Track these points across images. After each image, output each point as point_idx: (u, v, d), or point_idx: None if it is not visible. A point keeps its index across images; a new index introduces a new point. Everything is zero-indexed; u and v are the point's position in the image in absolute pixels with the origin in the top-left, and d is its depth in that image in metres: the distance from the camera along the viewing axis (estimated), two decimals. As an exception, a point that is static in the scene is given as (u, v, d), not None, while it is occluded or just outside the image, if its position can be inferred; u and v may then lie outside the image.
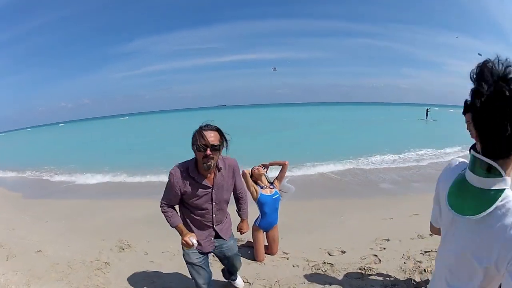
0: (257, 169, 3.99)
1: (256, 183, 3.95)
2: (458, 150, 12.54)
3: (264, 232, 4.00)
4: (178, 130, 27.70)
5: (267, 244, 4.14)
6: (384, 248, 4.21)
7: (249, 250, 4.27)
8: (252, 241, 4.11)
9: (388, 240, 4.44)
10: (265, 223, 3.95)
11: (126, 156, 14.99)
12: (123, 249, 4.34)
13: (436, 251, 4.01)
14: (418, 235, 4.54)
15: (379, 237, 4.52)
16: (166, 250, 4.29)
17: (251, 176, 3.97)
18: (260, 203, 3.87)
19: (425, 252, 3.99)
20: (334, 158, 11.06)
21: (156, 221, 5.69)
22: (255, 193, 3.83)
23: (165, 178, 2.33)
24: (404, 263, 3.76)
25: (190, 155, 2.30)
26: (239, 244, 4.50)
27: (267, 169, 4.00)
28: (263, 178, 4.00)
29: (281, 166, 4.07)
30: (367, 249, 4.20)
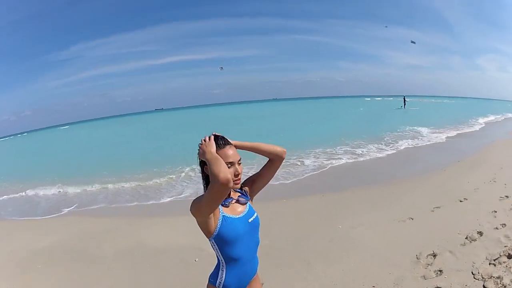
0: (237, 164, 1.61)
1: None
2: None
3: None
4: (107, 138, 26.68)
5: None
6: (441, 271, 2.74)
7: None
8: None
9: (434, 255, 2.99)
10: (238, 279, 1.70)
11: (49, 167, 12.96)
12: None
13: (504, 255, 2.90)
14: (466, 237, 3.29)
15: (419, 253, 3.02)
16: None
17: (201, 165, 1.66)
18: (222, 238, 1.59)
19: (494, 260, 2.85)
20: (306, 150, 9.64)
21: (62, 255, 4.18)
22: (212, 220, 1.54)
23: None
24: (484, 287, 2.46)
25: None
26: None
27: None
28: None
29: (269, 159, 1.79)
30: (417, 278, 2.65)
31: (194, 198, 1.46)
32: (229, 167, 1.55)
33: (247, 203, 1.71)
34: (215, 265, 1.69)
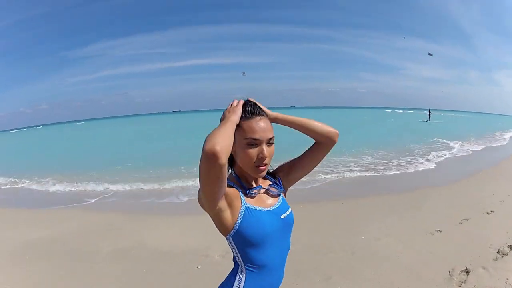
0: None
1: (239, 177, 1.27)
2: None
3: None
4: (121, 137, 26.84)
5: None
6: None
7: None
8: None
9: (467, 271, 2.91)
10: None
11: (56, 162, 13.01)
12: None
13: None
14: (498, 251, 3.23)
15: (452, 270, 2.94)
16: None
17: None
18: (243, 237, 1.17)
19: (528, 275, 2.76)
20: (329, 157, 9.39)
21: (55, 248, 4.06)
22: (227, 213, 1.15)
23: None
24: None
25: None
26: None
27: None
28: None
29: (316, 141, 1.35)
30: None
31: None
32: (252, 147, 1.13)
33: (280, 195, 1.30)
34: (230, 270, 1.27)
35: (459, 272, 2.84)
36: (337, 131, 1.31)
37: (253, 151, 1.13)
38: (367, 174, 7.78)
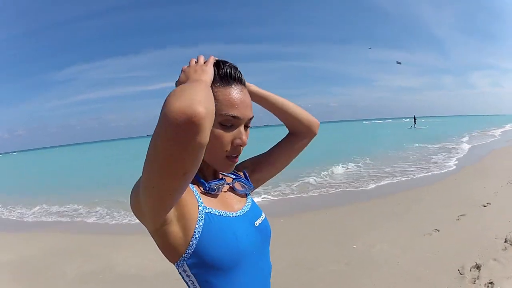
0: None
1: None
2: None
3: None
4: (91, 162, 26.13)
5: None
6: (492, 283, 2.33)
7: None
8: None
9: (478, 266, 2.57)
10: None
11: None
12: None
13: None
14: (506, 241, 2.97)
15: (462, 267, 2.59)
16: None
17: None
18: (206, 261, 0.68)
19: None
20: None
21: (17, 272, 3.78)
22: (177, 226, 0.68)
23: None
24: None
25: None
26: None
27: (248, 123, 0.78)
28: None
29: (290, 132, 0.99)
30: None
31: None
32: (227, 128, 0.73)
33: (248, 194, 0.91)
34: None
35: (469, 268, 2.49)
36: (318, 122, 0.98)
37: (228, 134, 0.74)
38: (351, 184, 7.19)
